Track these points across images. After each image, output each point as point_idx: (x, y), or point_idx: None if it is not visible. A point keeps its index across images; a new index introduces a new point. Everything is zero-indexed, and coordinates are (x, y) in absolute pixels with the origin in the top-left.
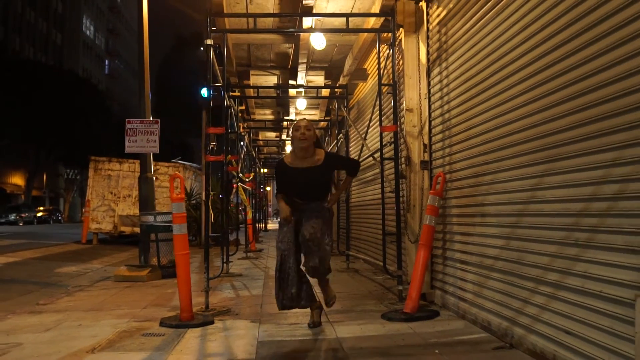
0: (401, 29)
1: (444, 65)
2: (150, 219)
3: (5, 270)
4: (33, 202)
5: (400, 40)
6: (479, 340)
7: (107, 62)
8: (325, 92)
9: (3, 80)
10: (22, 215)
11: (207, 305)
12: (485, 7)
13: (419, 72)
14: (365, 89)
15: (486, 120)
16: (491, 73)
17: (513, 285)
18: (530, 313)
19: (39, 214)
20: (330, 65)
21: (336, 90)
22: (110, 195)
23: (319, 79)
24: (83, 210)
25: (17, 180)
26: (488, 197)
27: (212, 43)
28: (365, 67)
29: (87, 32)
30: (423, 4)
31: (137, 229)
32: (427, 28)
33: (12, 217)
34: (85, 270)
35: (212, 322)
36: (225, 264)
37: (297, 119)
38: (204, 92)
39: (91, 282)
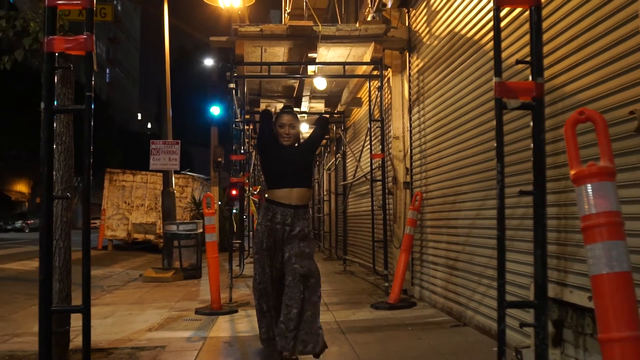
0: (389, 69)
1: (421, 105)
2: (174, 228)
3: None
4: (37, 209)
5: (389, 78)
6: (442, 321)
7: (108, 70)
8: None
9: (9, 91)
10: (28, 222)
11: (230, 298)
12: (449, 68)
13: (403, 106)
14: (360, 113)
15: (450, 154)
16: (454, 118)
17: (466, 280)
18: (477, 299)
19: None
20: (329, 95)
21: (335, 115)
22: (124, 204)
23: (319, 106)
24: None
25: (21, 187)
26: (451, 213)
27: (234, 86)
28: (360, 96)
29: None
30: (406, 53)
31: (149, 236)
32: (409, 73)
33: (19, 224)
34: (110, 273)
35: (236, 311)
36: (239, 267)
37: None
38: (215, 111)
39: (123, 283)
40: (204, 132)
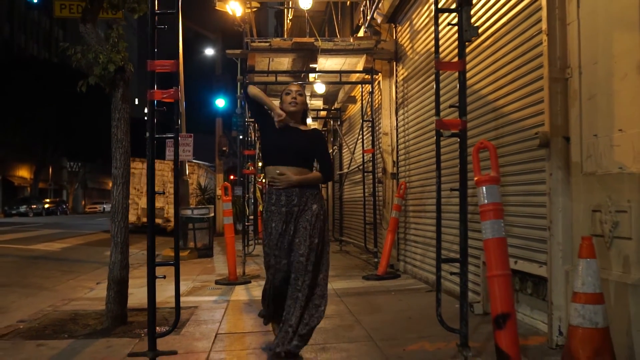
0: (380, 74)
1: (405, 108)
2: (188, 212)
3: (65, 253)
4: (39, 194)
5: (379, 81)
6: (419, 288)
7: None
8: (323, 113)
9: (12, 78)
10: (32, 207)
11: (243, 272)
12: (426, 80)
13: (391, 107)
14: (355, 109)
15: (428, 152)
16: (429, 123)
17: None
18: (445, 269)
19: (46, 206)
20: (327, 94)
21: (332, 111)
22: (134, 190)
23: (318, 103)
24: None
25: (24, 173)
26: (428, 200)
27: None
28: (354, 94)
29: None
30: (393, 62)
31: (158, 220)
32: (396, 80)
33: (23, 209)
34: None
35: (249, 282)
36: (247, 247)
37: None
38: (220, 103)
39: (144, 261)
40: (204, 120)
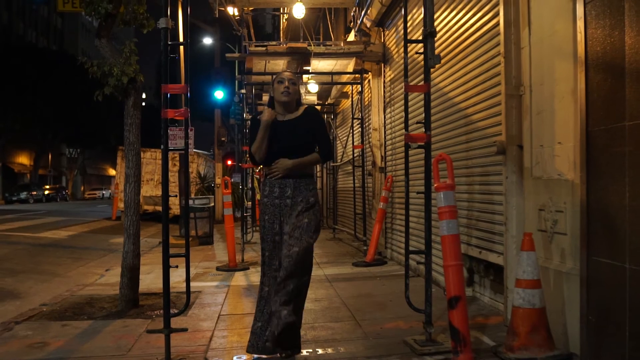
0: (370, 73)
1: (392, 107)
2: (190, 202)
3: (73, 240)
4: (39, 181)
5: (369, 80)
6: (402, 274)
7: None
8: (317, 107)
9: (12, 66)
10: (33, 193)
11: (242, 259)
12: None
13: (379, 104)
14: (348, 103)
15: (411, 149)
16: (412, 123)
17: (419, 244)
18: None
19: (47, 192)
20: (321, 90)
21: (326, 106)
22: None
23: (312, 99)
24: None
25: (24, 159)
26: (412, 193)
27: (245, 91)
28: (346, 90)
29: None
30: (381, 64)
31: (158, 208)
32: (384, 80)
33: (23, 196)
34: None
35: (248, 268)
36: (245, 235)
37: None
38: (219, 95)
39: (148, 249)
40: (202, 107)
